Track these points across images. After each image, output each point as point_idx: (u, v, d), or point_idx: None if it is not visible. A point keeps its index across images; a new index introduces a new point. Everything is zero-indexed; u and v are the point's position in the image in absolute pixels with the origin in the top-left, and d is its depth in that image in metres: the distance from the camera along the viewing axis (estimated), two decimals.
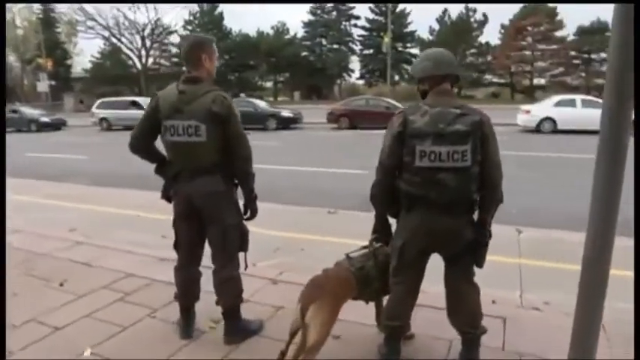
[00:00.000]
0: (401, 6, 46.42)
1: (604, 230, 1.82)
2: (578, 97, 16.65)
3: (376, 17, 48.92)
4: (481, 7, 46.52)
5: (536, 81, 44.64)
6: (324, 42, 51.99)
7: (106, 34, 45.99)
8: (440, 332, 2.74)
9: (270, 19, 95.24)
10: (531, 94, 41.23)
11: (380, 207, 2.39)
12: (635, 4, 1.63)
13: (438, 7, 48.94)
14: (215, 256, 2.65)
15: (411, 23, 48.07)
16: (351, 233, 5.00)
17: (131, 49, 48.28)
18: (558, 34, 41.84)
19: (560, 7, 41.63)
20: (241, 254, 2.68)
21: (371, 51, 49.35)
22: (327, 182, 8.38)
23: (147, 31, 47.34)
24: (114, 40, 47.43)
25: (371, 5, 48.21)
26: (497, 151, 2.19)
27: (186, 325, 2.78)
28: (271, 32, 51.40)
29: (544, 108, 16.74)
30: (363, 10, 57.96)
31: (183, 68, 2.60)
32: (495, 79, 46.79)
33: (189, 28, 50.29)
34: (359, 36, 51.10)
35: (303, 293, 2.25)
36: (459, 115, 2.13)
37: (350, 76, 53.72)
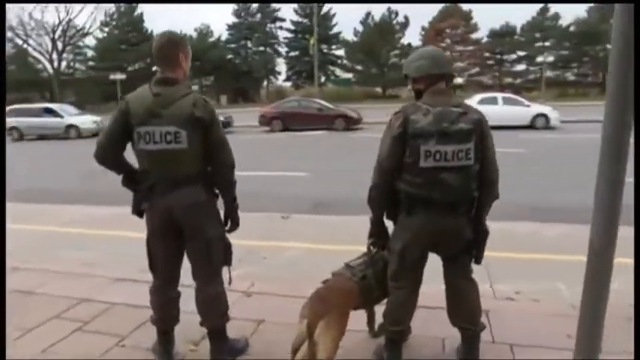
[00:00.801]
0: (326, 7, 47.01)
1: (608, 224, 1.87)
2: (499, 95, 17.79)
3: (301, 19, 49.20)
4: (402, 10, 48.32)
5: (454, 80, 47.10)
6: (249, 44, 51.42)
7: (9, 34, 42.17)
8: (432, 331, 2.75)
9: (193, 21, 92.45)
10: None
11: (378, 210, 2.32)
12: (635, 4, 1.69)
13: (362, 9, 50.08)
14: (197, 272, 2.45)
15: (335, 25, 48.85)
16: (309, 238, 4.95)
17: (40, 52, 44.76)
18: (474, 36, 44.47)
19: (475, 11, 44.33)
20: (224, 268, 2.50)
21: (297, 53, 49.52)
22: (272, 186, 8.21)
23: (58, 33, 44.11)
24: (18, 41, 43.66)
25: (296, 7, 48.42)
26: (494, 149, 2.22)
27: (165, 351, 2.55)
28: (195, 35, 49.96)
29: None
30: (288, 12, 58.12)
31: (154, 68, 2.39)
32: None
33: (106, 29, 47.60)
34: (284, 38, 51.12)
35: (310, 308, 2.14)
36: (461, 114, 2.13)
37: (277, 78, 53.59)
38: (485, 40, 44.41)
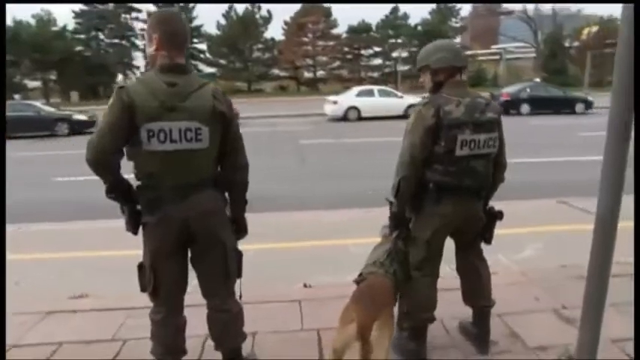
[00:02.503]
0: None
1: (613, 198, 2.16)
2: (376, 88, 19.02)
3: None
4: (265, 4, 48.26)
5: (317, 74, 48.76)
6: (101, 36, 46.87)
7: None
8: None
9: (31, 6, 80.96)
10: (315, 86, 45.06)
11: (407, 202, 2.35)
12: (635, 4, 1.93)
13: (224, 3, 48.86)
14: (214, 288, 2.21)
15: (196, 18, 46.99)
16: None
17: None
18: (334, 31, 46.44)
19: (334, 8, 46.30)
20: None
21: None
22: None
23: None
24: None
25: None
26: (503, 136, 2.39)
27: None
28: (33, 22, 43.86)
29: (348, 98, 18.61)
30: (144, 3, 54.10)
31: (146, 51, 2.06)
32: (282, 73, 49.32)
33: None
34: (142, 30, 47.59)
35: (361, 310, 2.03)
36: (487, 104, 2.25)
37: (135, 73, 49.83)
38: (344, 35, 46.67)
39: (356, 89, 19.41)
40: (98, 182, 2.01)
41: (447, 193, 2.28)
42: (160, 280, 2.09)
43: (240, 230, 2.27)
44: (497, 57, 44.44)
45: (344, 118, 18.07)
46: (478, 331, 2.59)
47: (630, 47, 2.00)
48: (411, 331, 2.49)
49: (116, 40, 47.00)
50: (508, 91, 21.42)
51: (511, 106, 21.00)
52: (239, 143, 2.14)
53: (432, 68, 2.31)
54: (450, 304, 2.70)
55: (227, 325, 2.25)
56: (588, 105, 20.59)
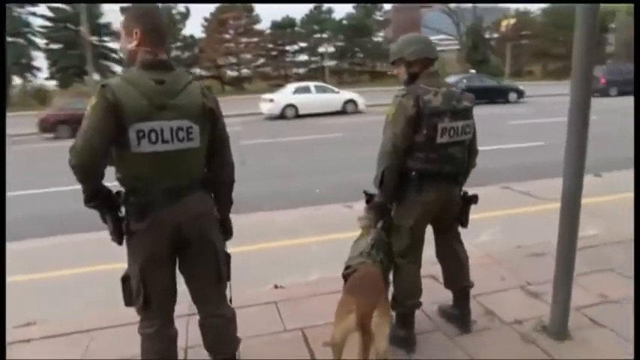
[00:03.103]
0: None
1: (576, 176, 2.46)
2: (312, 84, 19.20)
3: (61, 6, 43.60)
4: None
5: (242, 72, 48.29)
6: None
7: None
8: None
9: None
10: (239, 85, 44.63)
11: (391, 191, 2.50)
12: (635, 4, 2.21)
13: None
14: (207, 294, 2.21)
15: (103, 15, 44.77)
16: None
17: None
18: (257, 27, 46.18)
19: (256, 3, 45.99)
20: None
21: (60, 45, 43.84)
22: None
23: None
24: None
25: None
26: None
27: None
28: None
29: (285, 96, 18.68)
30: None
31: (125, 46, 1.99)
32: (204, 73, 48.32)
33: None
34: (41, 27, 44.58)
35: (361, 300, 2.13)
36: (461, 94, 2.45)
37: (35, 75, 46.50)
38: (268, 31, 46.60)
39: (292, 86, 19.51)
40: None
41: (428, 180, 2.46)
42: (152, 291, 2.05)
43: (227, 232, 2.29)
44: None
45: (281, 116, 18.12)
46: (459, 312, 2.81)
47: (588, 35, 2.30)
48: (399, 318, 2.65)
49: (10, 39, 43.62)
50: (447, 82, 22.57)
51: None
52: (227, 141, 2.16)
53: (408, 60, 2.49)
54: (427, 291, 2.87)
55: (222, 331, 2.26)
56: (520, 94, 22.30)
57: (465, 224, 2.75)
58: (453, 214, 2.67)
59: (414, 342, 2.64)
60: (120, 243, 2.02)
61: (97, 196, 1.93)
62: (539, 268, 3.66)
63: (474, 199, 2.69)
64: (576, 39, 2.33)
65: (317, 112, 17.95)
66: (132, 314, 2.17)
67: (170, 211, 1.97)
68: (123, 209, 2.00)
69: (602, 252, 3.92)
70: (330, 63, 43.75)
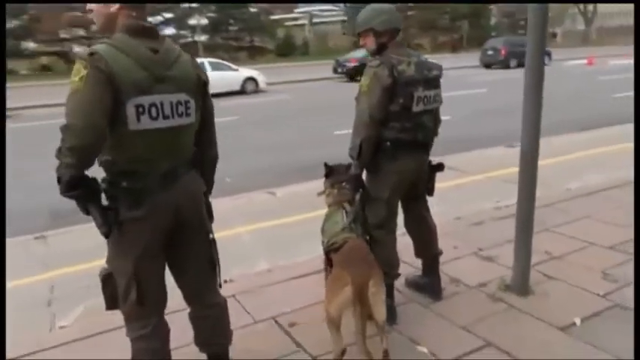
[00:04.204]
0: None
1: (533, 137, 2.98)
2: (206, 60, 18.37)
3: None
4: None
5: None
6: None
7: None
8: None
9: None
10: None
11: (366, 162, 2.79)
12: (635, 4, 2.64)
13: None
14: (200, 282, 2.31)
15: None
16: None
17: None
18: None
19: None
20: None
21: None
22: None
23: None
24: None
25: None
26: None
27: None
28: None
29: None
30: None
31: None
32: (42, 48, 44.44)
33: None
34: None
35: (355, 271, 2.38)
36: (430, 63, 2.82)
37: None
38: None
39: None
40: None
41: (402, 149, 2.80)
42: (147, 286, 2.07)
43: (210, 214, 2.35)
44: (303, 22, 47.24)
45: None
46: (430, 280, 3.23)
47: (540, 8, 2.80)
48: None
49: None
50: (356, 55, 23.30)
51: (359, 72, 23.04)
52: (213, 115, 2.26)
53: (377, 30, 2.79)
54: None
55: (219, 322, 2.38)
56: None
57: (431, 192, 3.16)
58: (424, 183, 3.06)
59: (395, 313, 2.99)
60: (108, 235, 1.97)
61: (79, 184, 1.85)
62: (484, 235, 4.27)
63: (439, 167, 3.10)
64: (530, 14, 2.83)
65: (214, 93, 17.64)
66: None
67: (169, 194, 2.03)
68: (104, 197, 1.97)
69: (537, 214, 4.64)
70: (202, 37, 42.80)
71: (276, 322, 3.09)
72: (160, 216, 2.03)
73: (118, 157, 1.94)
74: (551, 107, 5.41)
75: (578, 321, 2.84)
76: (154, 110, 1.91)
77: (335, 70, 24.37)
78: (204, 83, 2.14)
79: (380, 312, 2.41)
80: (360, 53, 24.18)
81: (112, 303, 2.10)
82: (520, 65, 25.08)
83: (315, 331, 2.85)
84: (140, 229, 2.00)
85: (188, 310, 2.39)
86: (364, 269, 2.45)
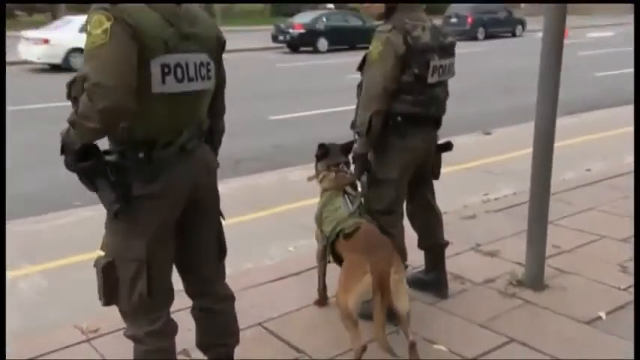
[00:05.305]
0: None
1: (550, 112, 3.38)
2: None
3: None
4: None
5: None
6: None
7: None
8: None
9: None
10: None
11: (374, 140, 3.05)
12: (635, 4, 2.99)
13: None
14: (213, 270, 2.52)
15: None
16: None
17: None
18: None
19: None
20: None
21: None
22: None
23: None
24: None
25: None
26: None
27: None
28: None
29: (68, 34, 17.33)
30: None
31: None
32: None
33: None
34: None
35: (376, 258, 2.65)
36: (444, 28, 3.15)
37: None
38: None
39: (77, 18, 17.97)
40: None
41: (413, 124, 3.09)
42: (159, 274, 2.22)
43: None
44: None
45: (65, 65, 17.01)
46: (436, 276, 3.59)
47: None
48: None
49: None
50: (301, 21, 23.80)
51: (305, 41, 23.33)
52: (226, 84, 2.46)
53: None
54: None
55: (230, 318, 2.58)
56: None
57: (437, 175, 3.50)
58: (431, 162, 3.38)
59: None
60: (119, 213, 2.05)
61: (90, 153, 1.99)
62: (479, 229, 4.72)
63: (447, 146, 3.43)
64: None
65: None
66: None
67: (186, 169, 2.19)
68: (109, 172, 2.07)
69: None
70: None
71: (265, 328, 3.33)
72: (177, 192, 2.19)
73: (136, 124, 2.02)
74: (527, 88, 5.93)
75: (603, 315, 3.30)
76: (179, 71, 2.05)
77: (275, 39, 24.59)
78: (223, 44, 2.33)
79: (404, 302, 2.70)
80: (306, 17, 24.59)
81: (111, 297, 2.20)
82: (491, 37, 26.18)
83: (311, 335, 3.18)
84: (155, 207, 2.13)
85: (191, 306, 2.57)
86: (384, 255, 2.72)
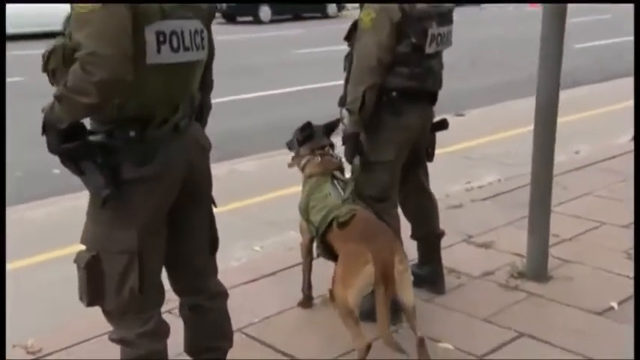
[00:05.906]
0: None
1: (552, 85, 3.53)
2: None
3: None
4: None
5: None
6: None
7: None
8: None
9: None
10: None
11: (366, 118, 3.10)
12: (635, 4, 3.11)
13: None
14: (206, 263, 2.57)
15: None
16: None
17: None
18: None
19: None
20: None
21: None
22: None
23: None
24: None
25: None
26: None
27: None
28: None
29: None
30: None
31: None
32: None
33: None
34: None
35: (374, 248, 2.71)
36: None
37: None
38: None
39: None
40: None
41: (408, 100, 3.15)
42: (151, 268, 2.25)
43: None
44: None
45: None
46: (431, 270, 3.70)
47: None
48: None
49: None
50: None
51: (245, 10, 23.11)
52: (213, 56, 2.47)
53: None
54: None
55: (223, 317, 2.64)
56: (341, 4, 23.94)
57: (430, 157, 3.59)
58: (426, 143, 3.47)
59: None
60: (109, 199, 2.05)
61: (81, 132, 2.01)
62: (468, 219, 4.88)
63: (443, 124, 3.52)
64: None
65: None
66: None
67: (181, 147, 2.22)
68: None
69: (521, 195, 5.27)
70: None
71: (245, 334, 3.38)
72: (173, 175, 2.22)
73: (128, 99, 2.03)
74: (498, 64, 6.08)
75: (615, 305, 3.48)
76: (175, 39, 2.06)
77: None
78: (213, 12, 2.39)
79: (409, 294, 2.79)
80: None
81: (96, 296, 2.20)
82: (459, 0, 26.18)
83: (298, 338, 3.29)
84: (148, 191, 2.15)
85: (178, 304, 2.62)
86: (386, 243, 2.79)
